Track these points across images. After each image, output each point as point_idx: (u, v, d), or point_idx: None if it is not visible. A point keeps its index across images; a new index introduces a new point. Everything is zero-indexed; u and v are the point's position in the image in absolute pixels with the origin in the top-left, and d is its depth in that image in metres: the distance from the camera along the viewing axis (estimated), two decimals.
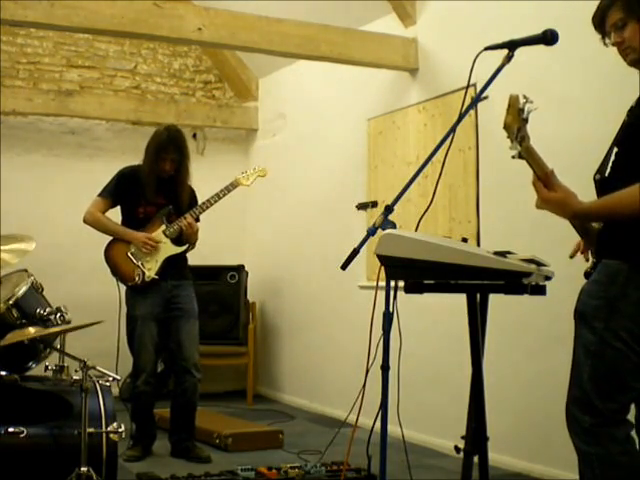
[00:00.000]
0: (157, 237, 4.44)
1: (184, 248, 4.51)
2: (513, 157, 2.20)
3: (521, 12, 4.27)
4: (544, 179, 2.25)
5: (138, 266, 4.42)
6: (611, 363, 2.20)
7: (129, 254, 4.44)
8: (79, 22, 4.33)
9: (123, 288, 4.48)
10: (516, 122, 2.16)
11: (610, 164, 2.29)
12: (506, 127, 2.18)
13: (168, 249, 4.46)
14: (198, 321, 4.56)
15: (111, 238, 4.51)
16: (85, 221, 4.51)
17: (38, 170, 6.49)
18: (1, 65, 6.39)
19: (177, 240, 4.49)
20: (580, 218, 2.31)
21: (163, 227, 4.47)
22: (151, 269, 4.42)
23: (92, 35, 6.45)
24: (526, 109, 2.17)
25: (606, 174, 2.30)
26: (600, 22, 2.35)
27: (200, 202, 4.54)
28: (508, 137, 2.18)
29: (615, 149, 2.29)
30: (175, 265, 4.48)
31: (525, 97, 2.17)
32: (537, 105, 2.19)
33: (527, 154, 2.22)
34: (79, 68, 6.77)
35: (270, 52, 5.07)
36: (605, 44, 2.38)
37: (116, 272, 4.47)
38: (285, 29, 4.89)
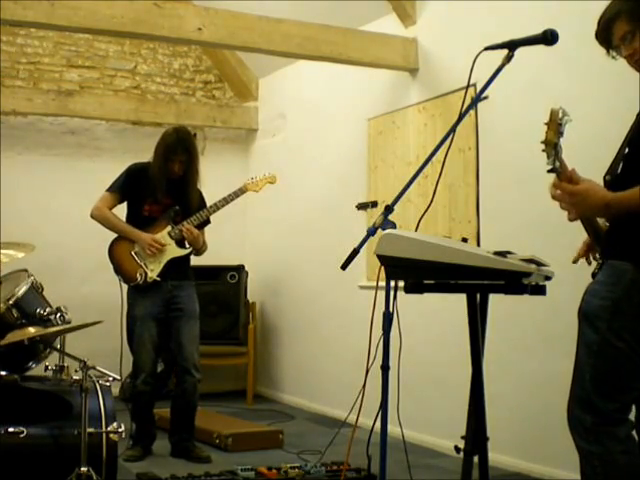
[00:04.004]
0: (162, 238, 4.44)
1: (188, 251, 4.51)
2: (548, 171, 2.17)
3: (521, 12, 4.27)
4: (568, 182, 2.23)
5: (141, 266, 4.42)
6: (613, 363, 2.20)
7: (133, 253, 4.44)
8: (79, 22, 4.32)
9: (125, 287, 4.48)
10: (555, 137, 2.14)
11: (621, 164, 2.28)
12: (546, 143, 2.14)
13: (172, 251, 4.46)
14: (199, 321, 4.56)
15: (116, 235, 4.51)
16: (92, 216, 4.50)
17: (38, 170, 6.48)
18: (1, 65, 6.40)
19: (182, 242, 4.49)
20: (612, 207, 2.19)
21: (169, 228, 4.47)
22: (154, 270, 4.42)
23: (92, 35, 6.45)
24: (563, 123, 2.15)
25: (617, 175, 2.28)
26: (605, 37, 2.31)
27: (208, 205, 4.54)
28: (544, 151, 2.15)
29: (626, 150, 2.28)
30: (177, 265, 4.48)
31: (563, 111, 2.15)
32: (572, 118, 2.16)
33: (561, 168, 2.19)
34: (79, 68, 6.77)
35: (270, 52, 5.06)
36: (613, 57, 2.34)
37: (119, 270, 4.46)
38: (285, 29, 4.88)
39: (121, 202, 4.55)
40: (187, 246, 4.52)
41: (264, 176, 4.78)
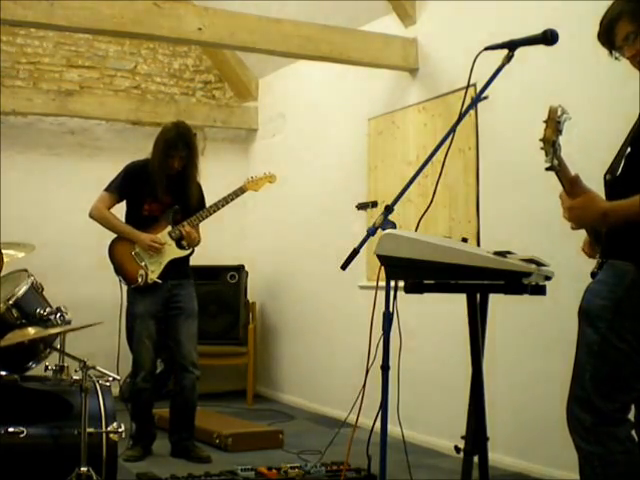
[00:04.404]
0: (162, 238, 4.44)
1: (188, 252, 4.50)
2: (546, 169, 2.17)
3: (521, 12, 4.27)
4: (568, 189, 2.21)
5: (142, 267, 4.41)
6: (613, 364, 2.20)
7: (133, 254, 4.44)
8: (79, 22, 4.32)
9: (124, 287, 4.48)
10: (554, 135, 2.13)
11: (622, 164, 2.27)
12: (545, 140, 2.14)
13: (172, 252, 4.46)
14: (197, 320, 4.56)
15: (115, 235, 4.51)
16: (91, 216, 4.50)
17: (38, 170, 6.48)
18: (1, 65, 6.39)
19: (181, 242, 4.48)
20: (609, 217, 2.19)
21: (169, 228, 4.46)
22: (154, 271, 4.42)
23: (92, 35, 6.45)
24: (562, 121, 2.15)
25: (617, 174, 2.28)
26: (608, 38, 2.30)
27: (207, 205, 4.53)
28: (543, 149, 2.15)
29: (628, 149, 2.28)
30: (177, 265, 4.48)
31: (562, 109, 2.15)
32: (571, 116, 2.15)
33: (560, 167, 2.19)
34: (79, 68, 6.77)
35: (270, 52, 5.07)
36: (616, 58, 2.34)
37: (119, 271, 4.46)
38: (285, 29, 4.88)
39: (119, 202, 4.55)
40: (187, 246, 4.52)
41: (264, 175, 4.79)
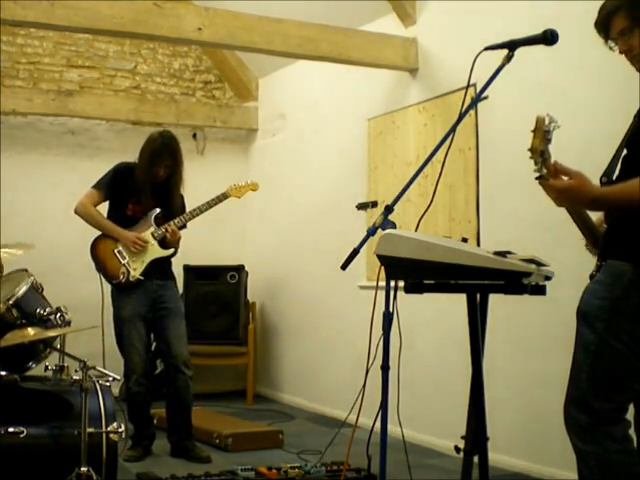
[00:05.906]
0: (146, 238, 4.45)
1: (171, 252, 4.52)
2: (536, 179, 2.17)
3: (521, 12, 4.27)
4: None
5: (124, 265, 4.42)
6: (610, 364, 2.20)
7: (116, 252, 4.45)
8: (79, 22, 4.33)
9: (106, 285, 4.48)
10: (542, 144, 2.13)
11: (618, 166, 2.27)
12: (533, 150, 2.14)
13: (155, 251, 4.47)
14: (184, 320, 4.57)
15: (99, 233, 4.52)
16: (76, 212, 4.51)
17: (38, 170, 6.48)
18: (1, 65, 6.39)
19: (163, 243, 4.50)
20: (599, 203, 2.20)
21: (152, 229, 4.48)
22: (137, 269, 4.42)
23: (92, 35, 6.45)
24: (551, 130, 2.14)
25: (614, 177, 2.28)
26: (604, 28, 2.31)
27: (190, 209, 4.54)
28: (531, 158, 2.15)
29: (624, 152, 2.27)
30: (159, 265, 4.49)
31: (550, 118, 2.15)
32: (560, 123, 2.16)
33: (549, 175, 2.19)
34: (79, 68, 6.77)
35: (270, 52, 5.07)
36: (610, 48, 2.34)
37: (101, 268, 4.48)
38: (285, 29, 4.88)
39: (105, 200, 4.56)
40: (169, 247, 4.52)
41: (246, 183, 4.79)
